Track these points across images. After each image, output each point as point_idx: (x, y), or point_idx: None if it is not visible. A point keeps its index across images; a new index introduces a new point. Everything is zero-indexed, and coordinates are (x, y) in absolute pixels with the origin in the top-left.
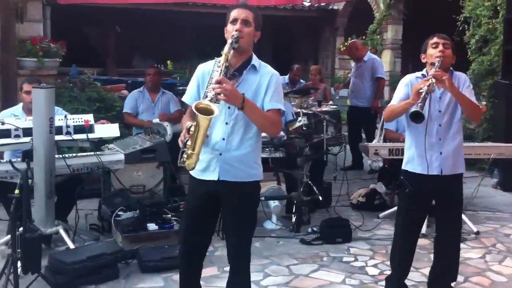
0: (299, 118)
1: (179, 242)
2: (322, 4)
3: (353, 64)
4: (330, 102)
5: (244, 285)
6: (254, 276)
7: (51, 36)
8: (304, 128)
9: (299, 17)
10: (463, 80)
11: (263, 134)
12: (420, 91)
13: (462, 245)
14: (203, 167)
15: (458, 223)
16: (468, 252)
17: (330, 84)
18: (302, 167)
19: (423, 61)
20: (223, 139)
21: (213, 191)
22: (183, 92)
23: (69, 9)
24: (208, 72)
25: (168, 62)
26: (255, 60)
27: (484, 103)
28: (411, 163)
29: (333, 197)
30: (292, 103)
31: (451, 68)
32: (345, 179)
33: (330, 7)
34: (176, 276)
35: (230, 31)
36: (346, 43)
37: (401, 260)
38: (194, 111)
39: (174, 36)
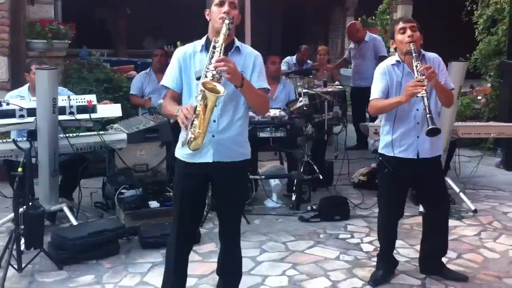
0: (300, 98)
1: (172, 224)
2: None
3: (351, 45)
4: (336, 83)
5: (240, 258)
6: (251, 252)
7: (62, 18)
8: (304, 108)
9: None
10: (437, 62)
11: (251, 114)
12: (419, 95)
13: (458, 223)
14: (199, 152)
15: (445, 197)
16: (464, 230)
17: None
18: (302, 147)
19: (392, 47)
20: (214, 121)
21: (206, 173)
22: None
23: None
24: (189, 55)
25: (178, 43)
26: (237, 42)
27: (489, 85)
28: (387, 147)
29: (335, 176)
30: (299, 84)
31: (422, 50)
32: (345, 158)
33: None
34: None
35: (217, 12)
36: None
37: (386, 236)
38: (203, 89)
39: (184, 17)
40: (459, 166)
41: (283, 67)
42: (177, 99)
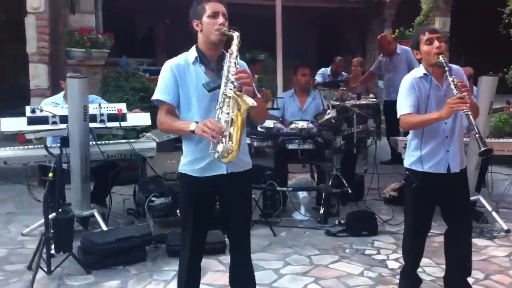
0: (328, 111)
1: (183, 238)
2: None
3: (380, 58)
4: (371, 95)
5: (251, 268)
6: (274, 264)
7: (103, 27)
8: (333, 120)
9: (346, 9)
10: (460, 76)
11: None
12: (463, 112)
13: (489, 243)
14: (206, 164)
15: (467, 218)
16: (495, 250)
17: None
18: (331, 159)
19: (417, 57)
20: None
21: (216, 186)
22: None
23: (122, 1)
24: (183, 67)
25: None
26: (227, 53)
27: None
28: (416, 162)
29: (367, 191)
30: (331, 96)
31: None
32: (375, 172)
33: None
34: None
35: (212, 24)
36: (393, 35)
37: (412, 252)
38: (237, 98)
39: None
40: (491, 184)
41: (318, 78)
42: (173, 113)
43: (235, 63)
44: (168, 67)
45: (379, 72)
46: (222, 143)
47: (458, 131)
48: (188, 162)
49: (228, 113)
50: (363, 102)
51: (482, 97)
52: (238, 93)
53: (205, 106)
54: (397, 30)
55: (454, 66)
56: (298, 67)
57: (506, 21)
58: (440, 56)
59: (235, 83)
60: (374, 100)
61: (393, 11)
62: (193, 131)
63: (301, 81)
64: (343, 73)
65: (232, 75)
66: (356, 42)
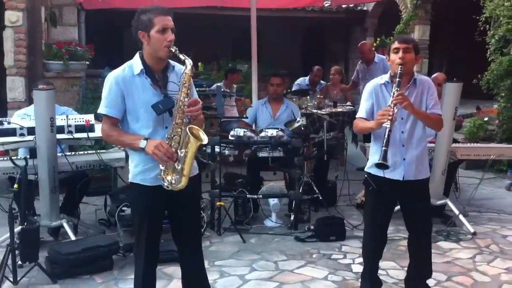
0: (298, 119)
1: (137, 248)
2: (344, 5)
3: (358, 67)
4: (348, 103)
5: (205, 274)
6: (240, 271)
7: (89, 39)
8: (302, 128)
9: (329, 18)
10: (427, 87)
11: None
12: (384, 125)
13: (454, 245)
14: (158, 173)
15: (426, 224)
16: (459, 252)
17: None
18: (300, 166)
19: (388, 63)
20: None
21: (168, 194)
22: (205, 92)
23: (108, 13)
24: (128, 79)
25: (199, 64)
26: (172, 62)
27: (495, 106)
28: (375, 167)
29: (341, 197)
30: (309, 104)
31: (415, 73)
32: (345, 178)
33: (359, 7)
34: (167, 269)
35: (160, 40)
36: (375, 44)
37: (371, 254)
38: (190, 135)
39: (206, 38)
40: (458, 188)
41: (295, 88)
42: (117, 124)
43: (187, 93)
44: (113, 80)
45: (356, 79)
46: (170, 173)
47: (417, 141)
48: (140, 172)
49: (180, 149)
50: (339, 110)
51: (447, 103)
52: (190, 129)
53: (154, 118)
54: (378, 39)
55: (423, 78)
56: (271, 76)
57: (482, 28)
58: (399, 67)
59: (187, 116)
60: (351, 107)
61: (375, 20)
62: (142, 148)
63: (270, 91)
64: (321, 81)
65: (183, 106)
66: (339, 50)
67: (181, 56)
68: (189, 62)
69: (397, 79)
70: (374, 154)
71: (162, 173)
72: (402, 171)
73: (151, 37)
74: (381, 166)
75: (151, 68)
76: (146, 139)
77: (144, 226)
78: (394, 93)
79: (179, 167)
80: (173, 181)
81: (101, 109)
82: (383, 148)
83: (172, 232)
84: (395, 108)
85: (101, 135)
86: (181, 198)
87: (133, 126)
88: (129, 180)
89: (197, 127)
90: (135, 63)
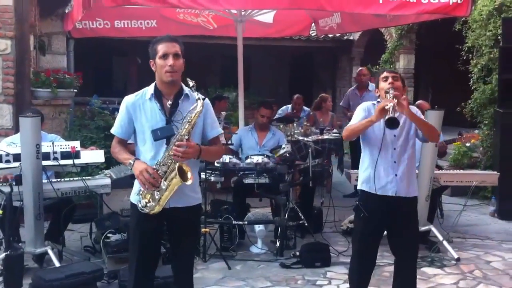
0: (283, 145)
1: (129, 270)
2: (330, 35)
3: (350, 93)
4: (334, 130)
5: None
6: None
7: (78, 67)
8: (287, 155)
9: (316, 47)
10: (414, 111)
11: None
12: (386, 107)
13: (438, 271)
14: None
15: (413, 246)
16: (443, 278)
17: None
18: (286, 193)
19: (377, 95)
20: None
21: (164, 219)
22: None
23: (97, 42)
24: (139, 104)
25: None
26: (186, 89)
27: (476, 131)
28: (367, 183)
29: (327, 223)
30: (296, 131)
31: None
32: (331, 205)
33: (346, 37)
34: None
35: (163, 65)
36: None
37: (358, 280)
38: (177, 173)
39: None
40: (442, 215)
41: (278, 116)
42: (125, 143)
43: (189, 131)
44: (124, 104)
45: (347, 105)
46: (148, 198)
47: (408, 158)
48: (135, 193)
49: (164, 180)
50: (325, 137)
51: None
52: (180, 166)
53: (158, 142)
54: (365, 67)
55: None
56: (261, 106)
57: (464, 57)
58: (391, 89)
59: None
60: (337, 134)
61: (361, 50)
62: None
63: (259, 120)
64: (305, 108)
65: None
66: (326, 78)
67: (195, 95)
68: (200, 102)
69: (391, 93)
70: (365, 169)
71: (141, 192)
72: (394, 187)
73: (156, 64)
74: (392, 121)
75: (161, 93)
76: (135, 160)
77: (136, 248)
78: (388, 92)
79: (157, 196)
80: (148, 205)
81: (112, 128)
82: (391, 116)
83: (170, 257)
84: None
85: (87, 161)
86: (181, 225)
87: (140, 147)
88: (130, 200)
89: (186, 166)
90: (149, 89)
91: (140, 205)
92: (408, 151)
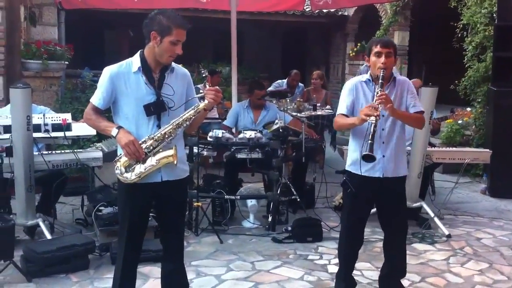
0: (276, 121)
1: (119, 243)
2: (324, 10)
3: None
4: (328, 106)
5: (185, 274)
6: (217, 271)
7: (70, 39)
8: (280, 130)
9: (309, 23)
10: (406, 86)
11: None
12: (369, 120)
13: (429, 247)
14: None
15: (402, 223)
16: (433, 254)
17: (341, 88)
18: (278, 168)
19: (367, 64)
20: None
21: (154, 193)
22: None
23: (88, 14)
24: (123, 76)
25: (181, 65)
26: (173, 64)
27: (469, 109)
28: (354, 164)
29: (319, 199)
30: (289, 107)
31: (394, 73)
32: (323, 181)
33: (340, 13)
34: (144, 268)
35: (168, 49)
36: (355, 49)
37: (346, 255)
38: (174, 155)
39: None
40: (434, 192)
41: (271, 88)
42: (100, 112)
43: (190, 119)
44: (108, 74)
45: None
46: (123, 165)
47: (397, 138)
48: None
49: (152, 155)
50: (318, 113)
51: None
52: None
53: (143, 116)
54: (359, 44)
55: (401, 78)
56: (254, 89)
57: (459, 35)
58: (382, 71)
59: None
60: (330, 111)
61: (355, 26)
62: (114, 137)
63: (255, 102)
64: (300, 84)
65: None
66: (320, 55)
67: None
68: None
69: (380, 81)
70: (353, 151)
71: (120, 160)
72: (381, 168)
73: (163, 42)
74: (368, 158)
75: (149, 66)
76: (119, 128)
77: (125, 221)
78: (377, 93)
79: (138, 170)
80: (123, 172)
81: (92, 98)
82: (369, 141)
83: (159, 230)
84: (379, 106)
85: (78, 134)
86: (169, 198)
87: (119, 120)
88: None
89: (175, 148)
90: (134, 61)
91: (117, 172)
92: (397, 131)
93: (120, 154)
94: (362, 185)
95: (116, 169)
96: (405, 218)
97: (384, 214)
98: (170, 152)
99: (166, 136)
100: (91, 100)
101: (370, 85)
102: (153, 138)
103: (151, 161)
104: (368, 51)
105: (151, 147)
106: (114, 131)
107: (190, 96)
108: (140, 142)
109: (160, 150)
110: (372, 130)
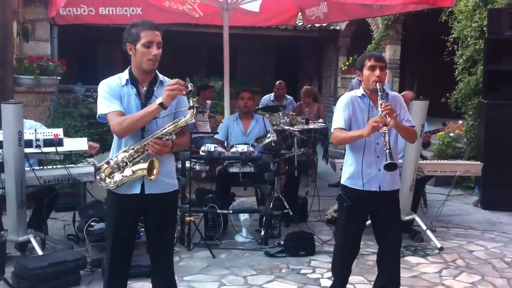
0: (268, 134)
1: (106, 258)
2: (317, 24)
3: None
4: (320, 120)
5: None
6: (210, 286)
7: (62, 54)
8: (273, 144)
9: (302, 37)
10: (399, 101)
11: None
12: (381, 131)
13: (422, 260)
14: (129, 184)
15: (397, 236)
16: (426, 267)
17: (333, 102)
18: (271, 182)
19: (359, 78)
20: None
21: (138, 206)
22: None
23: (81, 29)
24: (117, 89)
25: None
26: (160, 76)
27: (460, 121)
28: (351, 179)
29: (311, 213)
30: (281, 121)
31: (385, 89)
32: (315, 194)
33: (332, 27)
34: (136, 284)
35: (145, 53)
36: (347, 63)
37: (341, 269)
38: (145, 165)
39: (180, 55)
40: (426, 204)
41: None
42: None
43: (171, 132)
44: (106, 85)
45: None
46: (107, 172)
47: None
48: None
49: (131, 166)
50: (310, 126)
51: (414, 120)
52: (151, 160)
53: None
54: (351, 58)
55: (392, 93)
56: (239, 92)
57: (450, 48)
58: (377, 84)
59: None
60: (323, 124)
61: (347, 40)
62: (161, 104)
63: (240, 105)
64: (287, 96)
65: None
66: (312, 68)
67: (191, 102)
68: (192, 111)
69: (379, 93)
70: (349, 166)
71: (103, 166)
72: (378, 182)
73: (137, 50)
74: (390, 166)
75: (137, 79)
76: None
77: (111, 234)
78: (381, 104)
79: (116, 178)
80: (103, 178)
81: (104, 109)
82: (387, 151)
83: (147, 245)
84: (387, 117)
85: (70, 149)
86: (155, 211)
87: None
88: None
89: (157, 161)
90: (123, 75)
91: (98, 178)
92: (392, 145)
93: (107, 159)
94: (359, 199)
95: (98, 174)
96: (400, 231)
97: (380, 227)
98: (145, 165)
99: (146, 148)
100: (106, 112)
101: (365, 100)
102: (133, 148)
103: (128, 171)
104: (359, 65)
105: (132, 157)
106: (157, 101)
107: (181, 108)
108: (121, 151)
109: (141, 161)
110: (388, 139)
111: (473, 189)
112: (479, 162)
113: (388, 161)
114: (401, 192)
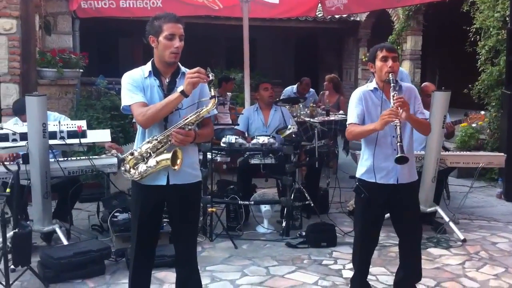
0: (289, 126)
1: (131, 247)
2: (336, 16)
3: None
4: (341, 112)
5: (199, 282)
6: (231, 276)
7: (80, 48)
8: (293, 135)
9: (322, 28)
10: (414, 93)
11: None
12: (393, 124)
13: (444, 252)
14: (154, 175)
15: (417, 228)
16: (449, 259)
17: None
18: (292, 173)
19: (371, 70)
20: None
21: (162, 196)
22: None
23: (102, 22)
24: (141, 81)
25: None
26: (182, 68)
27: (482, 112)
28: (368, 173)
29: (332, 204)
30: (302, 112)
31: (398, 80)
32: (337, 186)
33: (352, 18)
34: (159, 274)
35: (167, 46)
36: (368, 54)
37: (361, 260)
38: (169, 155)
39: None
40: (449, 196)
41: (283, 97)
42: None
43: (194, 122)
44: (130, 78)
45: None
46: (131, 163)
47: (407, 145)
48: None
49: (155, 156)
50: (331, 118)
51: (436, 111)
52: (175, 150)
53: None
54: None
55: (406, 84)
56: (259, 84)
57: (472, 39)
58: (390, 74)
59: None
60: (343, 116)
61: (368, 31)
62: (182, 92)
63: (264, 96)
64: (311, 89)
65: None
66: (333, 60)
67: (212, 91)
68: (213, 101)
69: (392, 84)
70: (365, 160)
71: (127, 157)
72: (396, 175)
73: (159, 42)
74: (401, 160)
75: (159, 71)
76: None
77: (135, 225)
78: (393, 96)
79: (140, 169)
80: (131, 172)
81: (128, 101)
82: (399, 143)
83: (172, 236)
84: (399, 109)
85: (93, 141)
86: (179, 202)
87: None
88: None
89: (180, 152)
90: (146, 67)
91: (123, 169)
92: (407, 138)
93: (131, 150)
94: (376, 192)
95: (123, 165)
96: (420, 223)
97: (399, 220)
98: (168, 155)
99: (169, 138)
100: (130, 103)
101: (378, 93)
102: (157, 139)
103: (152, 161)
104: (371, 57)
105: (155, 148)
106: (179, 89)
107: (203, 98)
108: (145, 142)
109: (165, 152)
110: (399, 132)
111: (497, 180)
112: (502, 154)
113: (399, 155)
114: (424, 184)
